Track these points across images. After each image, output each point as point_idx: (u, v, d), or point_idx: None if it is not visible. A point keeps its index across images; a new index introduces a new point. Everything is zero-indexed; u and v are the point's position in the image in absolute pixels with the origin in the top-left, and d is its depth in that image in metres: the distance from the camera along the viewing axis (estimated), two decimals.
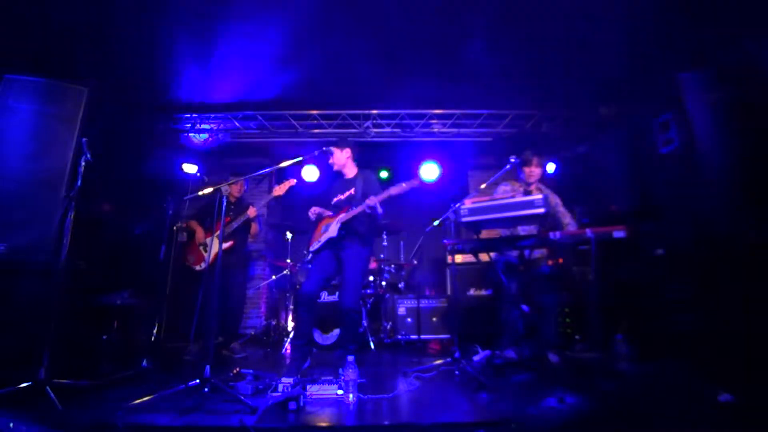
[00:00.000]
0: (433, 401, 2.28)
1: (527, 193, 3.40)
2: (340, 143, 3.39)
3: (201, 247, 3.94)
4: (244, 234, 4.14)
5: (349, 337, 3.08)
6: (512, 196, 3.10)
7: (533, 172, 3.35)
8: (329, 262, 3.17)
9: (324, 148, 3.18)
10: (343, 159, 3.36)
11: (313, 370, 2.98)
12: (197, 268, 3.89)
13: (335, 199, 3.31)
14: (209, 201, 3.80)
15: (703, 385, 2.15)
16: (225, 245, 3.93)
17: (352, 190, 3.29)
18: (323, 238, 3.18)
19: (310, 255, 3.27)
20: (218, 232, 3.87)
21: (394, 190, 3.01)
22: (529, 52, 3.72)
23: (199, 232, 3.97)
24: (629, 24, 3.25)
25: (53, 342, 2.25)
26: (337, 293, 4.09)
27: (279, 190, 3.69)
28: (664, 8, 3.07)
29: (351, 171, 3.39)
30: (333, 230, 3.13)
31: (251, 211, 3.96)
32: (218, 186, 2.76)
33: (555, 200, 3.35)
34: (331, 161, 3.38)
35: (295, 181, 3.71)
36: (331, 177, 3.53)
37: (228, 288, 3.92)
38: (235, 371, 2.82)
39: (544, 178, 3.90)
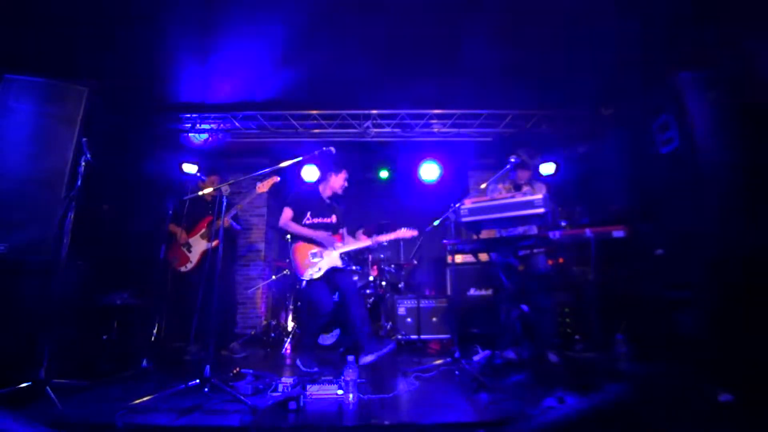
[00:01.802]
0: (433, 401, 2.28)
1: (517, 187, 3.41)
2: (336, 168, 3.38)
3: (184, 248, 3.92)
4: (227, 233, 4.11)
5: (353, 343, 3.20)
6: (512, 196, 3.11)
7: (524, 175, 3.38)
8: (329, 283, 3.24)
9: (324, 148, 3.18)
10: (340, 182, 3.40)
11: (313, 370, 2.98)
12: (182, 269, 3.87)
13: (316, 220, 3.32)
14: (189, 202, 3.79)
15: (703, 385, 2.15)
16: (212, 244, 3.91)
17: (333, 218, 3.37)
18: (325, 266, 3.19)
19: (305, 282, 3.21)
20: (204, 231, 3.92)
21: (394, 236, 3.41)
22: (529, 52, 3.72)
23: (180, 234, 3.93)
24: (629, 24, 3.25)
25: (53, 342, 2.25)
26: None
27: (262, 187, 3.68)
28: (664, 8, 3.07)
29: (332, 193, 3.44)
30: (337, 261, 3.22)
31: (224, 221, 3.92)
32: (218, 186, 2.77)
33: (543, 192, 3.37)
34: (332, 188, 3.39)
35: (278, 178, 3.68)
36: (309, 190, 3.53)
37: (218, 289, 3.90)
38: (235, 371, 2.82)
39: (543, 179, 3.90)
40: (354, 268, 4.53)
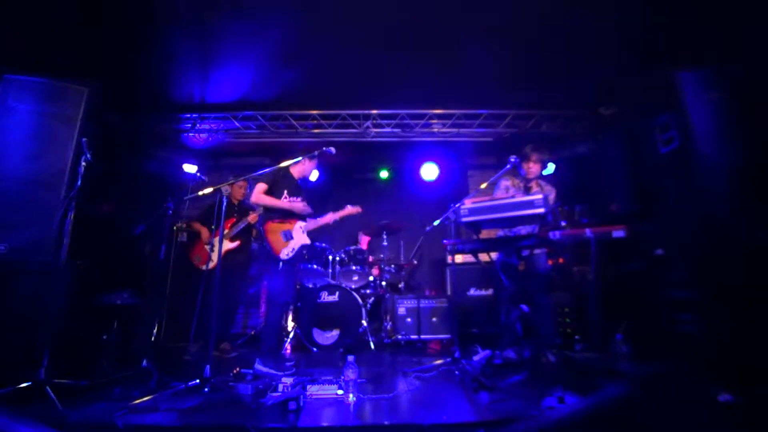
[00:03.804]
0: (433, 401, 2.28)
1: (527, 189, 3.40)
2: (311, 156, 3.40)
3: (207, 247, 3.97)
4: (248, 235, 4.22)
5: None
6: (512, 196, 3.11)
7: (531, 168, 3.35)
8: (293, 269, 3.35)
9: (324, 148, 3.18)
10: (311, 168, 3.46)
11: (314, 370, 2.98)
12: (203, 267, 3.92)
13: (292, 199, 3.33)
14: (213, 201, 3.86)
15: (703, 385, 2.14)
16: (232, 245, 4.00)
17: (300, 198, 3.38)
18: (296, 245, 3.25)
19: (282, 263, 3.22)
20: (227, 231, 4.00)
21: (343, 213, 3.53)
22: (529, 52, 3.72)
23: (204, 232, 4.03)
24: (629, 24, 3.25)
25: (53, 342, 2.25)
26: (337, 293, 4.09)
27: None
28: (664, 8, 3.07)
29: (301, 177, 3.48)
30: (305, 238, 3.31)
31: (252, 218, 4.07)
32: (218, 186, 2.77)
33: (551, 195, 3.36)
34: (303, 171, 3.43)
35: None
36: (283, 171, 3.37)
37: (230, 288, 3.98)
38: (235, 371, 2.82)
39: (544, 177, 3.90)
40: (354, 268, 4.53)
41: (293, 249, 3.23)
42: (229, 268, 3.93)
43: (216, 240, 3.94)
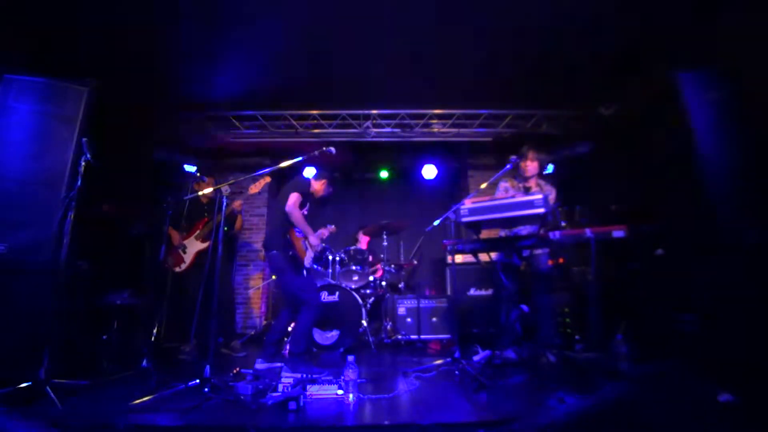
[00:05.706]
0: (433, 401, 2.27)
1: (526, 189, 3.40)
2: (319, 175, 3.51)
3: (180, 250, 3.95)
4: (225, 233, 4.17)
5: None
6: (512, 196, 3.10)
7: (529, 166, 3.36)
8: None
9: (324, 148, 3.18)
10: (323, 192, 3.53)
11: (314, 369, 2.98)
12: (177, 269, 3.90)
13: (306, 212, 3.45)
14: (183, 204, 3.85)
15: (703, 385, 2.14)
16: (203, 245, 3.95)
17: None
18: (311, 254, 3.50)
19: (305, 270, 3.51)
20: (199, 232, 3.98)
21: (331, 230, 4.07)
22: (529, 51, 3.72)
23: (174, 235, 3.97)
24: (629, 24, 3.26)
25: (53, 342, 2.25)
26: (336, 293, 4.09)
27: (255, 188, 3.73)
28: (664, 7, 3.07)
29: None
30: (318, 247, 3.52)
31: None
32: (218, 186, 2.77)
33: (551, 195, 3.36)
34: (319, 192, 3.52)
35: (270, 178, 3.72)
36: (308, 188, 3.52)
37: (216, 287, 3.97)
38: (235, 371, 2.82)
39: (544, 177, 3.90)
40: (354, 268, 4.53)
41: (311, 258, 3.46)
42: (202, 267, 3.90)
43: (187, 242, 3.96)
